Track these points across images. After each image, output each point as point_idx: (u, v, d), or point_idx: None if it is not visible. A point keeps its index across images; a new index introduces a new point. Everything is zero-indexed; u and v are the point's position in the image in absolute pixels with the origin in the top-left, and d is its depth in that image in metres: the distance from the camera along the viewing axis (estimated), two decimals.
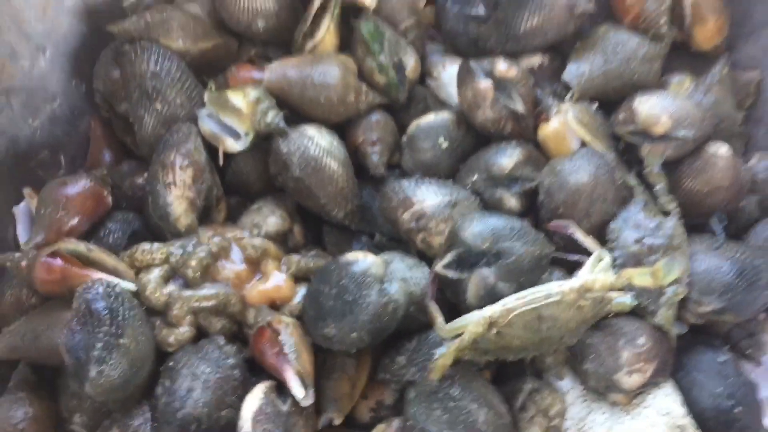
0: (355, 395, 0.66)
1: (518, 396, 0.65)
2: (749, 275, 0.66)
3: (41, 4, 0.74)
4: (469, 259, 0.63)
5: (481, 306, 0.60)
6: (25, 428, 0.65)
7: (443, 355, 0.59)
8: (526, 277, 0.61)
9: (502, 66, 0.73)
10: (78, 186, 0.70)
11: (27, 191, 0.74)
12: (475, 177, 0.72)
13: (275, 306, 0.67)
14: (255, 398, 0.62)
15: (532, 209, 0.73)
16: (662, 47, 0.77)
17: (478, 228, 0.63)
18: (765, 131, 0.82)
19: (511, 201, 0.71)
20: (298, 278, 0.69)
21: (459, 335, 0.59)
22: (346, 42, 0.79)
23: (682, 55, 0.81)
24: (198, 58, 0.77)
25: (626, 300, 0.63)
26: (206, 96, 0.73)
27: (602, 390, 0.65)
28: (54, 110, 0.78)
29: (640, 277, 0.59)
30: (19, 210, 0.75)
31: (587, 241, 0.63)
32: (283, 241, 0.72)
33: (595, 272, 0.60)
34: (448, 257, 0.63)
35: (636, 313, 0.66)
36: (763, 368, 0.75)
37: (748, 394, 0.69)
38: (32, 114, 0.76)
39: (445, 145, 0.75)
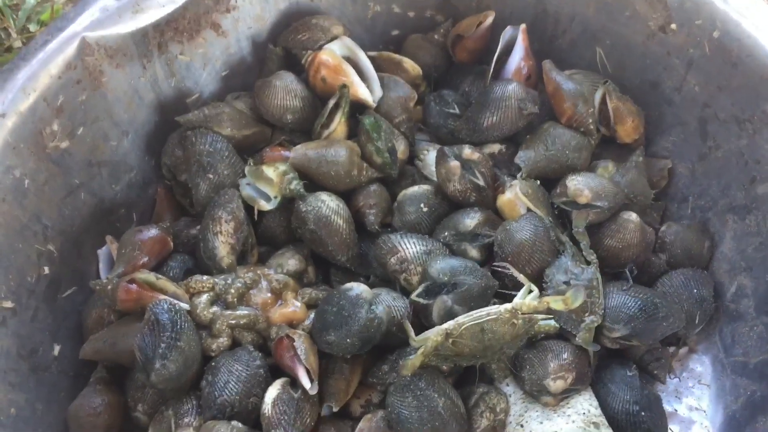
0: (349, 392, 0.86)
1: (472, 397, 0.85)
2: (649, 310, 0.87)
3: (127, 100, 0.98)
4: (434, 290, 0.85)
5: (441, 323, 0.82)
6: (101, 412, 0.86)
7: (413, 357, 0.81)
8: (475, 302, 0.83)
9: (467, 150, 0.97)
10: (149, 233, 0.94)
11: (109, 238, 0.98)
12: (446, 233, 0.94)
13: (292, 325, 0.89)
14: (274, 389, 0.83)
15: (489, 259, 0.95)
16: (591, 140, 1.00)
17: (441, 265, 0.86)
18: (676, 205, 1.04)
19: (473, 252, 0.93)
20: (310, 305, 0.91)
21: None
22: (353, 131, 1.03)
23: (611, 146, 1.04)
24: (241, 141, 1.01)
25: (551, 322, 0.85)
26: (246, 169, 0.97)
27: (535, 393, 0.86)
28: (131, 179, 1.01)
29: (555, 302, 0.81)
30: (102, 252, 0.98)
31: (521, 277, 0.85)
32: (299, 278, 0.94)
33: (525, 299, 0.82)
34: (420, 288, 0.86)
35: (562, 336, 0.88)
36: (669, 387, 0.96)
37: (653, 403, 0.89)
38: (115, 181, 1.00)
39: (425, 209, 0.97)
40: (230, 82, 1.08)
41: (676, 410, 0.94)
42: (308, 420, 0.82)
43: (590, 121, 1.00)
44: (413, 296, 0.86)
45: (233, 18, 1.02)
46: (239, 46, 1.06)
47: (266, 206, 0.95)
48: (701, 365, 0.97)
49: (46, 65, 0.88)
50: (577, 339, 0.86)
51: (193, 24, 0.99)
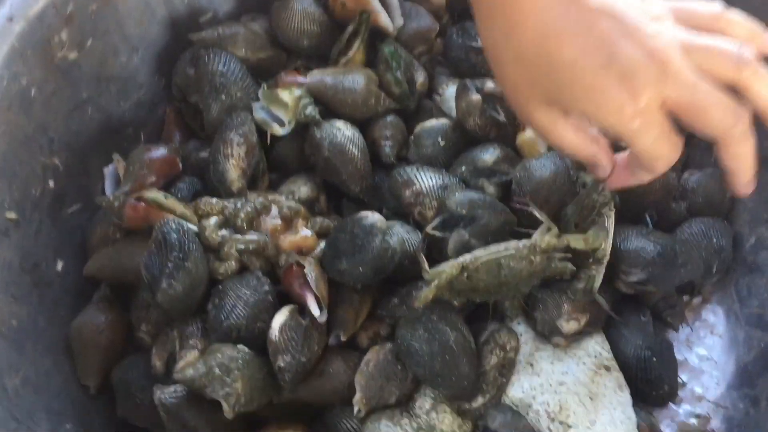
0: (358, 323, 0.85)
1: (483, 333, 0.84)
2: (668, 256, 0.85)
3: (138, 15, 0.95)
4: (451, 223, 0.83)
5: (457, 257, 0.80)
6: (104, 330, 0.85)
7: (427, 290, 0.79)
8: (492, 237, 0.81)
9: (490, 85, 0.94)
10: (158, 152, 0.91)
11: (116, 156, 0.95)
12: (463, 168, 0.92)
13: (301, 253, 0.87)
14: (282, 315, 0.81)
15: (505, 197, 0.92)
16: None
17: (460, 198, 0.83)
18: (699, 153, 1.01)
19: (490, 188, 0.91)
20: (321, 234, 0.89)
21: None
22: (371, 59, 1.00)
23: None
24: (255, 64, 0.98)
25: (567, 264, 0.83)
26: (260, 92, 0.94)
27: (547, 333, 0.84)
28: (140, 97, 0.99)
29: (575, 241, 0.79)
30: (108, 170, 0.96)
31: (540, 214, 0.82)
32: (311, 206, 0.91)
33: (545, 236, 0.79)
34: (436, 220, 0.84)
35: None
36: (681, 336, 0.94)
37: (665, 349, 0.87)
38: (124, 98, 0.97)
39: (442, 143, 0.95)
40: (245, 2, 1.04)
41: (686, 359, 0.93)
42: (316, 348, 0.81)
43: None
44: (429, 228, 0.84)
45: None
46: None
47: (280, 131, 0.92)
48: (714, 315, 0.95)
49: None
50: (576, 287, 0.83)
51: None
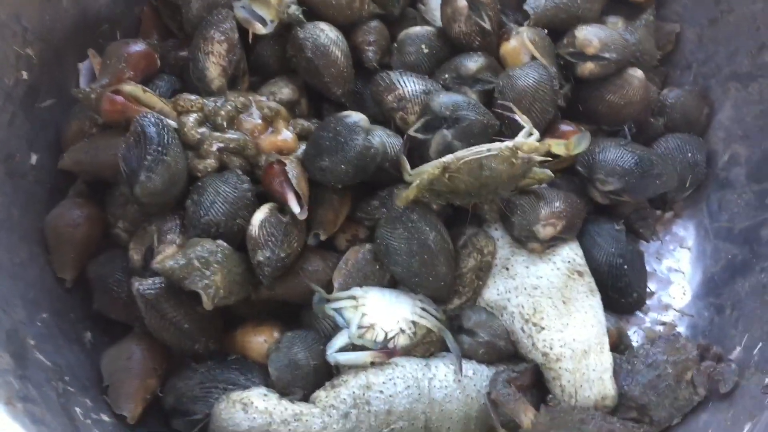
0: (337, 224, 0.85)
1: (461, 237, 0.85)
2: (645, 165, 0.87)
3: None
4: (433, 125, 0.83)
5: (439, 158, 0.80)
6: (81, 224, 0.84)
7: (408, 189, 0.79)
8: (475, 139, 0.81)
9: None
10: (136, 47, 0.88)
11: (91, 51, 0.92)
12: (446, 75, 0.91)
13: (282, 154, 0.86)
14: (262, 212, 0.81)
15: (487, 105, 0.92)
16: None
17: (443, 99, 0.83)
18: (679, 72, 1.02)
19: (473, 96, 0.90)
20: (301, 137, 0.88)
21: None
22: None
23: (621, 4, 1.01)
24: None
25: (546, 171, 0.84)
26: None
27: (523, 239, 0.85)
28: None
29: (557, 146, 0.80)
30: (83, 65, 0.93)
31: (523, 118, 0.83)
32: (292, 108, 0.90)
33: (527, 139, 0.80)
34: (419, 122, 0.83)
35: (555, 185, 0.88)
36: (651, 248, 0.97)
37: (636, 258, 0.90)
38: None
39: (426, 50, 0.94)
40: None
41: (655, 270, 0.95)
42: (295, 245, 0.81)
43: None
44: (411, 130, 0.83)
45: None
46: None
47: (262, 30, 0.90)
48: (684, 230, 0.97)
49: None
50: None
51: None
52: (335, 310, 0.78)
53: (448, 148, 0.80)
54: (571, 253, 0.86)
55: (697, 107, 0.97)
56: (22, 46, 0.85)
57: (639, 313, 0.92)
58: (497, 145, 0.79)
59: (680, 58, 1.02)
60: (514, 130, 0.85)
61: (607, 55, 0.90)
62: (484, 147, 0.78)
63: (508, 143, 0.79)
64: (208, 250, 0.78)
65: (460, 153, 0.78)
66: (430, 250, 0.79)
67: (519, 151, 0.79)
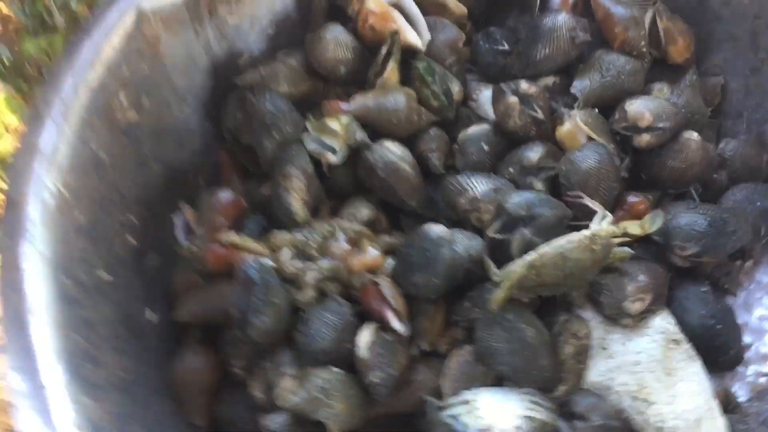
0: (435, 331, 0.90)
1: (554, 325, 0.89)
2: (718, 225, 0.90)
3: (183, 67, 1.00)
4: (510, 225, 0.88)
5: (521, 256, 0.84)
6: (204, 370, 0.90)
7: (500, 291, 0.84)
8: (552, 232, 0.85)
9: (524, 85, 0.98)
10: (224, 196, 0.96)
11: (182, 204, 1.01)
12: (510, 169, 0.97)
13: (372, 272, 0.92)
14: (367, 333, 0.86)
15: (553, 192, 0.97)
16: (644, 63, 1.01)
17: (517, 200, 0.88)
18: (731, 121, 1.05)
19: (539, 185, 0.95)
20: (387, 252, 0.94)
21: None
22: (406, 77, 1.04)
23: (662, 68, 1.04)
24: (298, 97, 1.02)
25: (625, 249, 0.87)
26: (308, 124, 0.99)
27: (614, 316, 0.89)
28: (195, 145, 1.03)
29: (632, 226, 0.84)
30: (177, 219, 1.01)
31: (594, 204, 0.87)
32: (373, 226, 0.96)
33: (601, 224, 0.84)
34: (497, 224, 0.88)
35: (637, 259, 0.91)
36: (739, 300, 0.99)
37: (727, 315, 0.92)
38: (180, 148, 1.01)
39: (486, 148, 0.99)
40: (277, 40, 1.09)
41: (747, 322, 0.97)
42: (403, 360, 0.86)
43: (642, 44, 1.01)
44: (490, 232, 0.88)
45: None
46: (284, 3, 1.06)
47: (334, 159, 0.97)
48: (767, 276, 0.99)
49: (109, 38, 0.89)
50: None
51: None
52: (451, 416, 0.82)
53: (529, 246, 0.85)
54: (663, 322, 0.89)
55: (757, 154, 1.00)
56: (124, 213, 0.93)
57: (739, 368, 0.94)
58: (576, 236, 0.83)
59: (730, 108, 1.05)
60: (585, 213, 0.89)
61: (660, 125, 0.94)
62: (564, 239, 0.83)
63: (586, 232, 0.83)
64: (326, 380, 0.83)
65: (541, 249, 0.83)
66: (531, 346, 0.84)
67: (597, 238, 0.83)
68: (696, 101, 1.00)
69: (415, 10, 1.05)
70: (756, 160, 1.00)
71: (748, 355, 0.95)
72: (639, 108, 0.95)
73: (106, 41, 0.89)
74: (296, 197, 0.94)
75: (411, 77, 1.03)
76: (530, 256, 0.83)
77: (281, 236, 0.92)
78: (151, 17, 0.92)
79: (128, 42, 0.91)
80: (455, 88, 1.03)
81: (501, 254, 0.89)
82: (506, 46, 1.05)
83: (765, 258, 1.00)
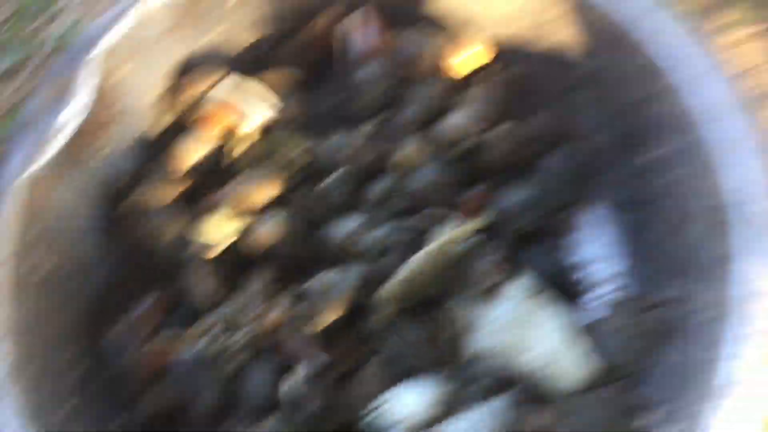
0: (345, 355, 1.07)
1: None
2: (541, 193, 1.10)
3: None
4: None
5: None
6: None
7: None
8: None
9: None
10: (143, 305, 1.12)
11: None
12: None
13: (282, 325, 1.09)
14: (289, 379, 1.03)
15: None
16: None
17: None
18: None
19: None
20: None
21: None
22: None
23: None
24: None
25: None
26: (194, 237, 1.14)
27: (482, 294, 1.06)
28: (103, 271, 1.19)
29: (473, 223, 1.03)
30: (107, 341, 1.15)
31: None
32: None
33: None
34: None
35: None
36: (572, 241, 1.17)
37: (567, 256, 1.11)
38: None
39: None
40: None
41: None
42: (326, 391, 1.02)
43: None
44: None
45: None
46: None
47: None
48: None
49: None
50: None
51: None
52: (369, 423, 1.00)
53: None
54: (519, 283, 1.07)
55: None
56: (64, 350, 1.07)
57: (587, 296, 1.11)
58: (425, 249, 1.02)
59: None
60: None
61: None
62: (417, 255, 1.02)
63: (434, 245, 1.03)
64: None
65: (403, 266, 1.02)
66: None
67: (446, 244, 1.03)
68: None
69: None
70: None
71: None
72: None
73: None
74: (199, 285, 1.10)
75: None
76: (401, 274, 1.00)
77: (196, 327, 1.07)
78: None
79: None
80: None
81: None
82: None
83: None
